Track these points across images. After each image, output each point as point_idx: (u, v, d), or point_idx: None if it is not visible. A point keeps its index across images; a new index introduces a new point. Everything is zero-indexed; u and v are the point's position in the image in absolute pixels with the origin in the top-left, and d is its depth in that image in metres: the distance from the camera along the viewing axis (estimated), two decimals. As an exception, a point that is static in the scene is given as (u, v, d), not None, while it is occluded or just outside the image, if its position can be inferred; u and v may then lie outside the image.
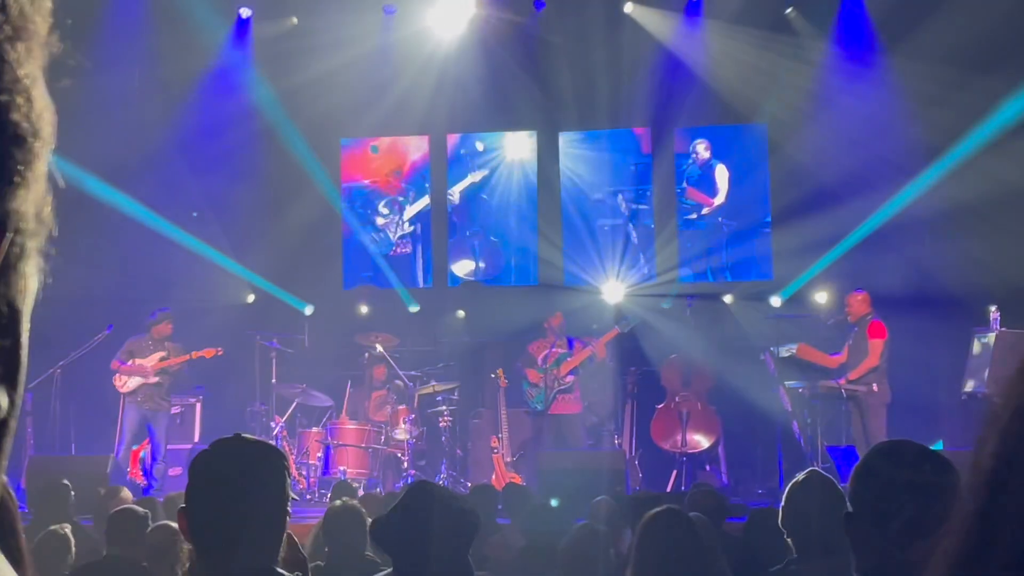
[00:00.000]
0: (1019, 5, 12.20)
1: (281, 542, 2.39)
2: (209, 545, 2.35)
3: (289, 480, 2.44)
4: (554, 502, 7.23)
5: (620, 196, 15.10)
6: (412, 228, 15.51)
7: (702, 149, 14.96)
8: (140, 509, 5.97)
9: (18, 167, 0.81)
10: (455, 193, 15.49)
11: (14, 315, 0.84)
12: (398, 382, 13.03)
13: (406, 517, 3.17)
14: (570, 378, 12.50)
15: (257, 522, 2.34)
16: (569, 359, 12.53)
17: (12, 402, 0.85)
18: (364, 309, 14.37)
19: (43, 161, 0.84)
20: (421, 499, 3.20)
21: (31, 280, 0.85)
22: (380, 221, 15.53)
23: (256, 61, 14.47)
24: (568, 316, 12.96)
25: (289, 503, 2.42)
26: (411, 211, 15.52)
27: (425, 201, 15.54)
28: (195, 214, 14.46)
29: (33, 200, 0.83)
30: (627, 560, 4.05)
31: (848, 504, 2.47)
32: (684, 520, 4.00)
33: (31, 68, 0.82)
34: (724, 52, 14.03)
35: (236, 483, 2.35)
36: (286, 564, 2.49)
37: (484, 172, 15.44)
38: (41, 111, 0.84)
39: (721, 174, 14.89)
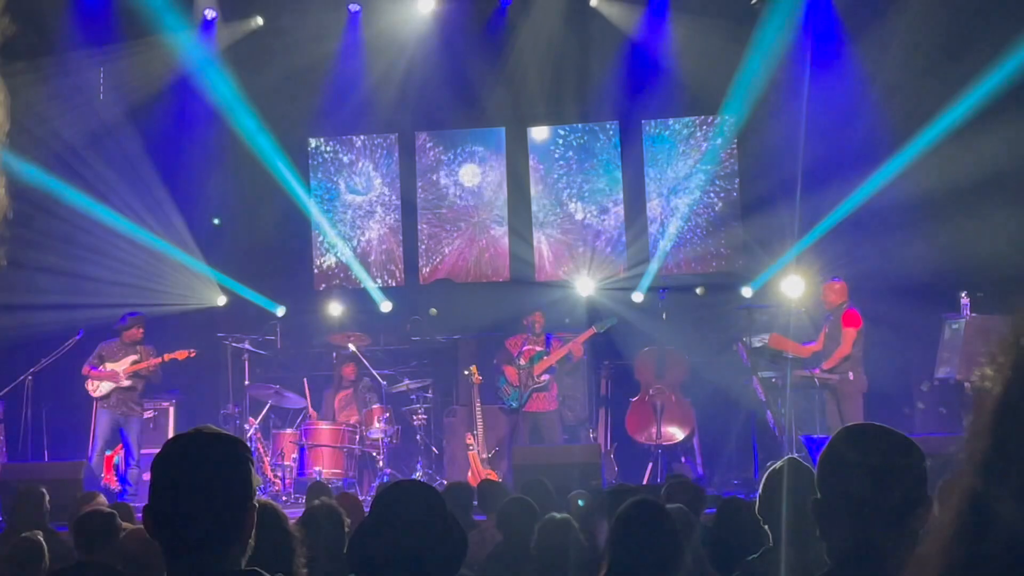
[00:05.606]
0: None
1: (249, 534, 2.35)
2: (173, 541, 2.31)
3: (253, 470, 2.38)
4: None
5: (590, 189, 15.09)
6: (383, 227, 15.45)
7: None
8: (105, 509, 5.92)
9: None
10: (426, 190, 15.45)
11: None
12: (367, 379, 13.01)
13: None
14: (545, 377, 12.47)
15: (221, 515, 2.30)
16: (545, 357, 12.51)
17: None
18: (336, 309, 14.29)
19: None
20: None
21: None
22: (350, 219, 15.46)
23: (222, 62, 14.36)
24: (541, 311, 12.93)
25: (255, 495, 2.38)
26: (382, 209, 15.46)
27: (395, 200, 15.48)
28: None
29: None
30: (604, 552, 4.05)
31: (816, 490, 2.47)
32: (659, 510, 4.00)
33: None
34: (690, 43, 14.04)
35: (197, 477, 2.31)
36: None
37: (455, 169, 15.40)
38: None
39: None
